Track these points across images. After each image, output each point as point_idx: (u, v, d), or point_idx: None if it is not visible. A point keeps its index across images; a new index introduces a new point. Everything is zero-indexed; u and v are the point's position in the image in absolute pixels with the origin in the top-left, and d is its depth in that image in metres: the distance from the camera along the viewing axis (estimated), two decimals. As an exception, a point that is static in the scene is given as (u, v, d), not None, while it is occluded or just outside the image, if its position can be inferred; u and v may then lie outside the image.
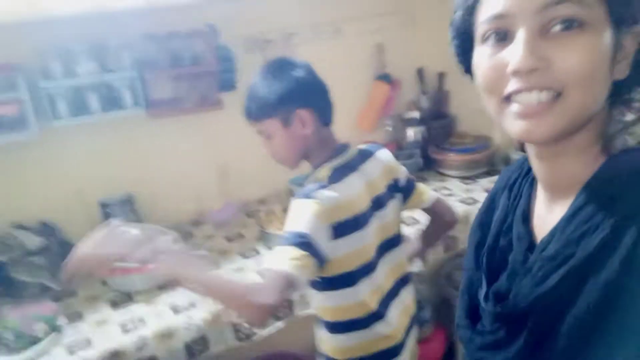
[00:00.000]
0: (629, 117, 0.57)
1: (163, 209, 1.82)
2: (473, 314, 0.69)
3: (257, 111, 1.15)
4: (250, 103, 1.16)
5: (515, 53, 0.53)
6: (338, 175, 1.14)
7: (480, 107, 1.33)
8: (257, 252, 1.66)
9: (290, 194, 2.04)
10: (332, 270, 1.13)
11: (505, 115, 0.58)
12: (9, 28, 1.31)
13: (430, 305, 2.08)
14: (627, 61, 0.55)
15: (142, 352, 1.30)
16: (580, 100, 0.53)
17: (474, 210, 1.81)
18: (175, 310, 1.40)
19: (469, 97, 2.09)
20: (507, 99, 0.56)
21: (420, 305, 2.05)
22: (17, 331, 1.28)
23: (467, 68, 0.64)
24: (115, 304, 1.45)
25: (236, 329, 1.43)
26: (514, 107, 0.56)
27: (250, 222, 1.86)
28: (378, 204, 1.21)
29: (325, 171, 1.15)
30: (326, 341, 1.24)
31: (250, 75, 1.81)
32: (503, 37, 0.56)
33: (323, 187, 1.11)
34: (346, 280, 1.16)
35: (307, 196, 1.09)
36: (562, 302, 0.55)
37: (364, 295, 1.18)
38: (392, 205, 1.24)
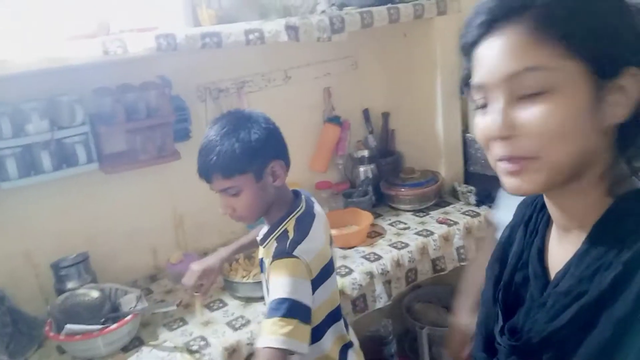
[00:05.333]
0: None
1: (119, 266, 1.75)
2: (489, 347, 0.70)
3: (230, 168, 1.08)
4: (219, 161, 1.08)
5: (490, 122, 0.58)
6: (304, 225, 1.16)
7: (423, 144, 1.36)
8: (223, 303, 1.62)
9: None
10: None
11: (498, 172, 0.62)
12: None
13: (395, 339, 2.11)
14: (628, 103, 0.55)
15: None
16: (554, 159, 0.56)
17: (430, 242, 1.88)
18: (145, 373, 1.34)
19: (413, 135, 2.22)
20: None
21: (384, 341, 2.08)
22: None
23: None
24: (77, 373, 1.36)
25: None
26: (501, 165, 0.60)
27: (213, 272, 1.82)
28: (331, 243, 1.26)
29: (291, 224, 1.16)
30: None
31: (204, 123, 1.86)
32: (485, 104, 0.60)
33: (298, 241, 1.11)
34: (314, 334, 1.13)
35: (288, 254, 1.09)
36: (576, 338, 0.56)
37: (329, 347, 1.20)
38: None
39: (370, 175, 2.18)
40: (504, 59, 0.56)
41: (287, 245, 1.11)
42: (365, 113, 2.29)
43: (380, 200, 2.18)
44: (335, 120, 2.14)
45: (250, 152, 1.09)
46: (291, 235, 1.13)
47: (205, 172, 1.11)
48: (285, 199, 1.20)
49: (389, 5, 1.89)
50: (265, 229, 1.24)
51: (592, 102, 0.55)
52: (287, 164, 1.18)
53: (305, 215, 1.18)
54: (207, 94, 1.86)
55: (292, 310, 1.03)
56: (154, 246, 1.85)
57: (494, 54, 0.57)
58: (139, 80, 1.67)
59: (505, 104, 0.56)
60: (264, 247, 1.21)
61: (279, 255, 1.10)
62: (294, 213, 1.17)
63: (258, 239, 1.25)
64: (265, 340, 1.02)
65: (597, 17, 0.54)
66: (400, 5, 1.88)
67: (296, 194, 1.23)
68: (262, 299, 1.60)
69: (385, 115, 2.32)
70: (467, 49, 0.62)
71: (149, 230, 1.82)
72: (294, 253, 1.09)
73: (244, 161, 1.09)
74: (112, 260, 1.74)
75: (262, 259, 1.25)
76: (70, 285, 1.57)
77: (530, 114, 0.55)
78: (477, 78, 0.59)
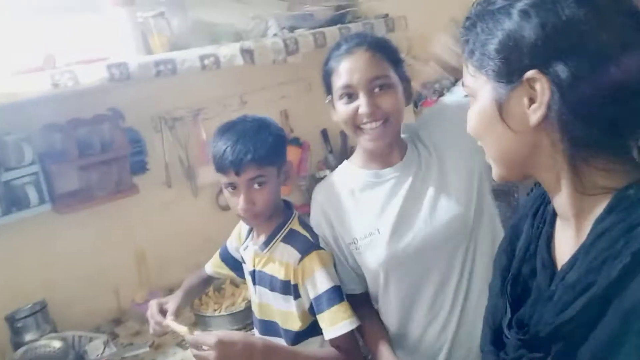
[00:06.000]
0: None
1: (80, 311, 1.65)
2: (497, 340, 0.69)
3: (265, 157, 1.13)
4: (256, 151, 1.12)
5: None
6: (306, 223, 1.23)
7: None
8: (197, 339, 1.54)
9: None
10: None
11: None
12: None
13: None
14: (539, 104, 0.58)
15: None
16: (489, 153, 0.67)
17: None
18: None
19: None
20: None
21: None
22: None
23: None
24: None
25: None
26: None
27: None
28: None
29: (296, 224, 1.22)
30: None
31: (161, 154, 1.80)
32: None
33: (316, 236, 1.19)
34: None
35: (317, 246, 1.17)
36: (584, 330, 0.56)
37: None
38: None
39: (333, 194, 2.17)
40: None
41: (310, 239, 1.18)
42: (324, 133, 2.29)
43: (346, 218, 2.16)
44: (294, 141, 2.13)
45: (280, 146, 1.19)
46: (303, 232, 1.20)
47: (238, 162, 1.12)
48: (280, 205, 1.24)
49: (339, 25, 1.92)
50: (249, 240, 1.27)
51: (497, 106, 0.62)
52: None
53: (303, 217, 1.26)
54: (162, 124, 1.81)
55: (341, 294, 1.14)
56: (116, 287, 1.75)
57: None
58: (90, 113, 1.60)
59: None
60: (265, 252, 1.21)
61: (308, 249, 1.16)
62: (294, 215, 1.23)
63: (256, 247, 1.24)
64: (340, 327, 1.12)
65: (490, 43, 0.61)
66: (351, 25, 1.92)
67: (286, 203, 1.26)
68: (237, 330, 1.54)
69: (344, 134, 2.32)
70: None
71: (109, 270, 1.73)
72: (321, 245, 1.18)
73: (276, 153, 1.16)
74: (72, 306, 1.63)
75: (254, 270, 1.24)
76: (28, 337, 1.46)
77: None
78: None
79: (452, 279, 1.13)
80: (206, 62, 1.51)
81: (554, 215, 0.68)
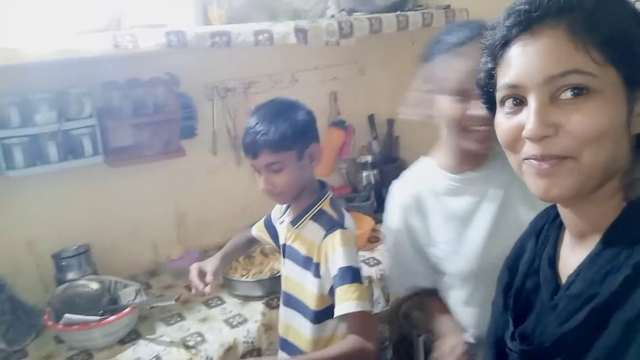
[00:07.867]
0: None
1: (119, 259, 1.76)
2: (500, 354, 0.70)
3: (279, 143, 1.15)
4: (269, 137, 1.15)
5: (527, 121, 0.58)
6: (338, 206, 1.26)
7: (427, 151, 1.35)
8: (222, 301, 1.63)
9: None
10: None
11: (525, 173, 0.62)
12: (-37, 76, 1.27)
13: (391, 345, 2.11)
14: None
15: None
16: (592, 160, 0.56)
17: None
18: (141, 365, 1.35)
19: (417, 142, 2.23)
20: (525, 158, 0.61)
21: (381, 346, 2.08)
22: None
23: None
24: (74, 363, 1.37)
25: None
26: (531, 164, 0.60)
27: (212, 270, 1.83)
28: None
29: (326, 204, 1.25)
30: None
31: (210, 121, 1.88)
32: (519, 102, 0.60)
33: (343, 216, 1.23)
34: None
35: (341, 225, 1.19)
36: (586, 341, 0.57)
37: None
38: None
39: (372, 180, 2.20)
40: (543, 62, 0.57)
41: (336, 219, 1.21)
42: (371, 119, 2.30)
43: (382, 205, 2.17)
44: (339, 124, 2.15)
45: (297, 131, 1.18)
46: (331, 212, 1.23)
47: (254, 148, 1.18)
48: (314, 185, 1.28)
49: (398, 12, 1.91)
50: (286, 214, 1.32)
51: (626, 109, 0.57)
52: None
53: (334, 199, 1.28)
54: (214, 93, 1.88)
55: (355, 276, 1.15)
56: (155, 241, 1.86)
57: (531, 56, 0.58)
58: (147, 75, 1.69)
59: (543, 104, 0.57)
60: (295, 228, 1.26)
61: (332, 227, 1.19)
62: (327, 195, 1.26)
63: (286, 222, 1.30)
64: (345, 306, 1.12)
65: (636, 27, 0.56)
66: (409, 13, 1.91)
67: (321, 183, 1.30)
68: (260, 298, 1.61)
69: (390, 122, 2.33)
70: (494, 49, 0.63)
71: (150, 225, 1.83)
72: (345, 225, 1.20)
73: (291, 139, 1.17)
74: (113, 253, 1.75)
75: (285, 244, 1.30)
76: (70, 276, 1.58)
77: (572, 113, 0.56)
78: (510, 78, 0.60)
79: None
80: (260, 37, 1.55)
81: (557, 232, 0.68)
